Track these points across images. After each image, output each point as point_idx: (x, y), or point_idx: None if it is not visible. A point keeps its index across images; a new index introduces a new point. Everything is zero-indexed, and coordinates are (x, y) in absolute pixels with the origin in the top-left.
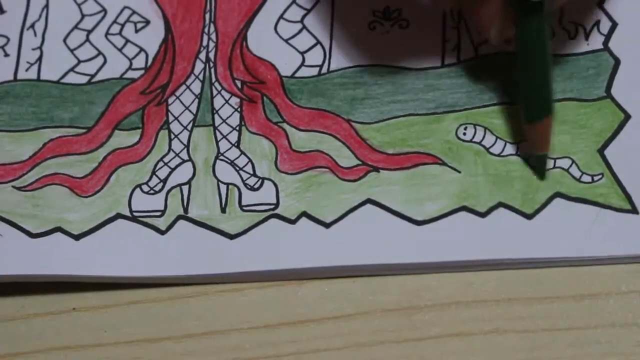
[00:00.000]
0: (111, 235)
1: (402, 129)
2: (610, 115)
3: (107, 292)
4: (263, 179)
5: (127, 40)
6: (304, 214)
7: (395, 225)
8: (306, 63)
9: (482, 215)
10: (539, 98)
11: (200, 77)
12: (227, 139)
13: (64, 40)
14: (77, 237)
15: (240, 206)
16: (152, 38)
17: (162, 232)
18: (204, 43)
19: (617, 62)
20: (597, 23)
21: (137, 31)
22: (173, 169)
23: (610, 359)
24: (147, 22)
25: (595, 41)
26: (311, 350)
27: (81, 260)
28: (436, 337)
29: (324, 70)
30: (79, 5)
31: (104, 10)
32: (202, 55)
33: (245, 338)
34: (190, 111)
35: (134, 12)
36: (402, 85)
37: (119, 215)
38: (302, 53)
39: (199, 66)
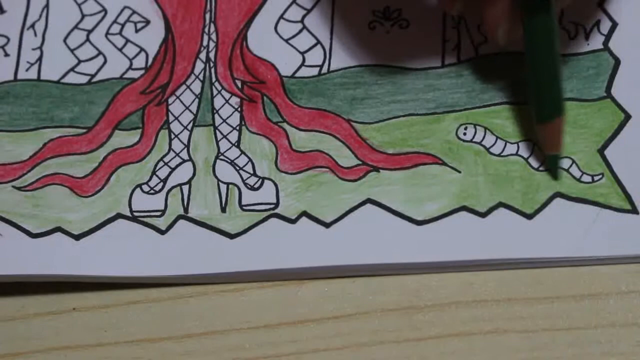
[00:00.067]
0: (111, 235)
1: (402, 129)
2: (610, 115)
3: (107, 292)
4: (263, 178)
5: (127, 40)
6: (304, 213)
7: (395, 225)
8: (306, 63)
9: (482, 215)
10: (550, 98)
11: (201, 77)
12: (227, 138)
13: (64, 40)
14: (77, 237)
15: (241, 206)
16: (152, 38)
17: (162, 232)
18: (204, 43)
19: (617, 62)
20: (597, 23)
21: (137, 31)
22: (173, 169)
23: (610, 359)
24: (147, 22)
25: (595, 41)
26: (311, 350)
27: (81, 260)
28: (436, 337)
29: (324, 70)
30: (79, 5)
31: (104, 10)
32: (202, 55)
33: (245, 338)
34: (190, 111)
35: (134, 12)
36: (402, 85)
37: (119, 215)
38: (302, 53)
39: (199, 66)
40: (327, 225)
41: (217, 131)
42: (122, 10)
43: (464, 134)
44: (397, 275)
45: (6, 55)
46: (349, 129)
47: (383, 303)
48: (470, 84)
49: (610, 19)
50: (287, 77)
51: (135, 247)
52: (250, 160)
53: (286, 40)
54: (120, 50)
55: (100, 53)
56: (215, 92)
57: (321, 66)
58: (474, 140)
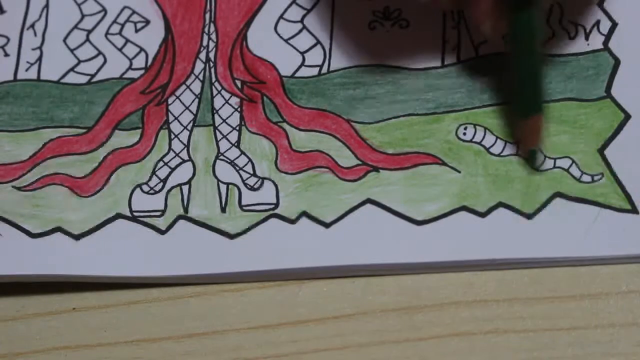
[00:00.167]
0: (111, 235)
1: (402, 129)
2: (610, 115)
3: (107, 292)
4: (263, 178)
5: (127, 40)
6: (304, 213)
7: (395, 225)
8: (306, 63)
9: (482, 215)
10: (528, 95)
11: (200, 77)
12: (227, 138)
13: (64, 40)
14: (77, 237)
15: (240, 206)
16: (152, 38)
17: (162, 232)
18: (204, 43)
19: (617, 62)
20: (597, 23)
21: (137, 31)
22: (173, 169)
23: (610, 359)
24: (147, 22)
25: (595, 41)
26: (311, 350)
27: (81, 260)
28: (436, 337)
29: (324, 70)
30: (79, 5)
31: (104, 10)
32: (202, 55)
33: (245, 338)
34: (190, 111)
35: (134, 12)
36: (402, 85)
37: (119, 215)
38: (302, 53)
39: (199, 66)
40: (327, 225)
41: (217, 131)
42: (122, 10)
43: (464, 134)
44: (397, 275)
45: (6, 55)
46: (349, 129)
47: (383, 303)
48: (470, 84)
49: (610, 19)
50: (287, 77)
51: (135, 247)
52: (250, 160)
53: (286, 40)
54: (120, 50)
55: (100, 53)
56: (215, 92)
57: (321, 66)
58: (473, 140)
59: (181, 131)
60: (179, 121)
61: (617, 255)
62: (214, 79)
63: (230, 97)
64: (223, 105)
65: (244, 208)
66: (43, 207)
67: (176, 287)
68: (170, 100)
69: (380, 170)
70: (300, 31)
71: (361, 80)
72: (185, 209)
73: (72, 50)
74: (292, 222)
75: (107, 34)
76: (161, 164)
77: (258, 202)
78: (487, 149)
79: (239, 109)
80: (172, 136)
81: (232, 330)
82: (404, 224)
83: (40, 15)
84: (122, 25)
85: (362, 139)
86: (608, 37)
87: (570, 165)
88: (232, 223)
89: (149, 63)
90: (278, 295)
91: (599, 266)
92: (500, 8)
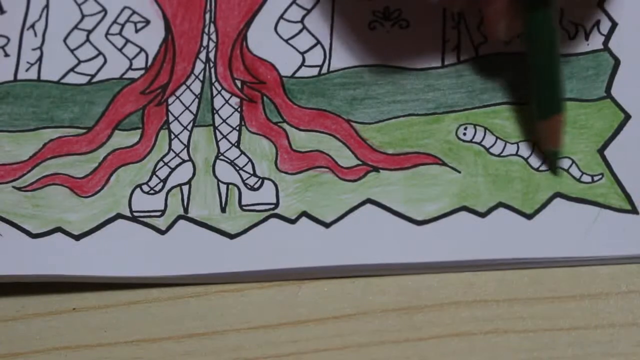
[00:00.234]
0: (111, 236)
1: (402, 129)
2: (610, 115)
3: (107, 292)
4: (263, 178)
5: (127, 40)
6: (304, 213)
7: (395, 225)
8: (306, 63)
9: (482, 215)
10: (550, 95)
11: (200, 77)
12: (227, 138)
13: (64, 41)
14: (77, 238)
15: (240, 206)
16: (152, 38)
17: (162, 232)
18: (204, 43)
19: (617, 62)
20: (597, 23)
21: (137, 31)
22: (173, 169)
23: (610, 359)
24: (147, 22)
25: (595, 41)
26: (311, 350)
27: (81, 260)
28: (436, 337)
29: (324, 70)
30: (79, 5)
31: (104, 10)
32: (202, 55)
33: (245, 338)
34: (190, 111)
35: (134, 12)
36: (402, 85)
37: (119, 216)
38: (302, 53)
39: (199, 66)
40: (327, 225)
41: (217, 131)
42: (122, 11)
43: (464, 134)
44: (397, 275)
45: (6, 55)
46: (349, 129)
47: (383, 303)
48: (470, 84)
49: (610, 19)
50: (287, 77)
51: (135, 247)
52: (250, 160)
53: (286, 41)
54: (120, 50)
55: (100, 53)
56: (215, 92)
57: (321, 66)
58: (473, 140)
59: (181, 131)
60: (179, 121)
61: (617, 256)
62: (214, 79)
63: (230, 97)
64: (223, 105)
65: (244, 208)
66: (43, 207)
67: (176, 287)
68: (170, 101)
69: (381, 171)
70: (300, 31)
71: (361, 80)
72: (185, 209)
73: (72, 51)
74: (292, 222)
75: (107, 34)
76: (161, 164)
77: (258, 202)
78: (487, 149)
79: (239, 109)
80: (172, 136)
81: (232, 330)
82: (404, 224)
83: (41, 16)
84: (122, 26)
85: (362, 139)
86: (608, 37)
87: (570, 166)
88: (232, 223)
89: (149, 63)
90: (278, 295)
91: (599, 266)
92: (515, 7)
